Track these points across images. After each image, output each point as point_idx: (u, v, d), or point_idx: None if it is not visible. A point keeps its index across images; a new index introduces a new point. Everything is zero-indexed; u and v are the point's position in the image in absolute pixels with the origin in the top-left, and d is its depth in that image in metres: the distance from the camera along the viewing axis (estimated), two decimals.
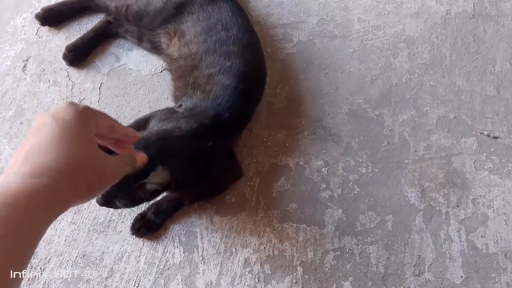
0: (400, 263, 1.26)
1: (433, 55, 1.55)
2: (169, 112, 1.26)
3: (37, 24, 1.54)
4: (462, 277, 1.24)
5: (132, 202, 0.96)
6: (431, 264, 1.26)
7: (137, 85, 1.46)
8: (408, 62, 1.54)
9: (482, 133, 1.43)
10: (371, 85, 1.50)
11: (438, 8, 1.63)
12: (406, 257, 1.28)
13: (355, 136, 1.41)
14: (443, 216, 1.32)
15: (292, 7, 1.62)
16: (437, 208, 1.33)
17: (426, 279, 1.25)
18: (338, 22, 1.60)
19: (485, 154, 1.40)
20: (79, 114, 0.57)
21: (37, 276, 1.21)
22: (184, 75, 1.31)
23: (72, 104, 0.57)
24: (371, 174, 1.37)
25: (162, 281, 1.22)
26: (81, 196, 0.56)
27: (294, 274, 1.25)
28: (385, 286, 1.24)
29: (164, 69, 1.47)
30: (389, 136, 1.42)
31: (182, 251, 1.26)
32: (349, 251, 1.28)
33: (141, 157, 0.72)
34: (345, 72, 1.52)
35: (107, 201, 0.94)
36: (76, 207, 1.26)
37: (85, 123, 0.57)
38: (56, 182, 0.52)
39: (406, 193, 1.35)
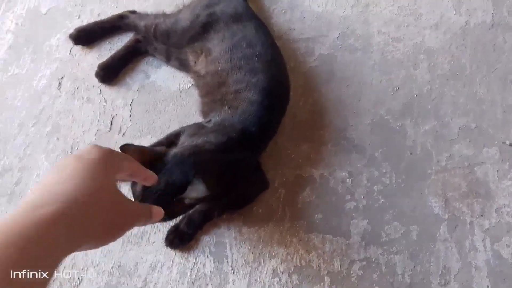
0: (425, 272, 1.29)
1: (453, 65, 1.57)
2: (198, 127, 1.32)
3: (70, 43, 1.61)
4: (488, 286, 1.26)
5: (170, 217, 1.01)
6: (456, 274, 1.28)
7: (166, 101, 1.52)
8: (428, 73, 1.56)
9: (505, 143, 1.44)
10: (392, 96, 1.53)
11: (457, 19, 1.66)
12: (431, 266, 1.30)
13: (378, 147, 1.45)
14: (468, 225, 1.34)
15: (313, 22, 1.67)
16: (461, 218, 1.35)
17: None
18: (359, 35, 1.64)
19: (508, 163, 1.41)
20: (103, 154, 0.56)
21: (76, 285, 1.27)
22: (212, 91, 1.36)
23: (96, 146, 0.58)
24: (395, 185, 1.40)
25: None
26: (93, 235, 0.52)
27: (322, 284, 1.28)
28: None
29: (191, 85, 1.53)
30: (412, 146, 1.45)
31: (212, 261, 1.31)
32: (375, 261, 1.31)
33: (157, 213, 0.65)
34: (367, 84, 1.55)
35: None
36: None
37: (107, 164, 0.56)
38: (69, 207, 0.48)
39: (430, 203, 1.38)
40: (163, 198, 0.85)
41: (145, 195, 0.96)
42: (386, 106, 1.51)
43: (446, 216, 1.36)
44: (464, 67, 1.57)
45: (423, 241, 1.33)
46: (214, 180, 1.11)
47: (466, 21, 1.65)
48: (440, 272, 1.28)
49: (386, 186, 1.40)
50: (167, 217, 0.99)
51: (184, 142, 1.25)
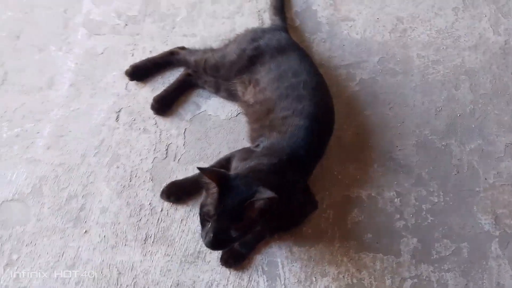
0: None
1: (495, 85, 1.60)
2: (247, 152, 1.39)
3: (126, 79, 1.74)
4: None
5: (245, 229, 1.09)
6: None
7: (216, 129, 1.61)
8: (470, 93, 1.59)
9: None
10: (436, 116, 1.56)
11: (496, 39, 1.69)
12: (484, 284, 1.30)
13: (425, 166, 1.47)
14: None
15: (353, 49, 1.74)
16: None
17: None
18: (398, 59, 1.69)
19: None
20: None
21: None
22: (260, 118, 1.44)
23: None
24: (443, 203, 1.41)
25: None
26: None
27: None
28: None
29: (239, 113, 1.62)
30: (458, 165, 1.47)
31: (265, 280, 1.35)
32: (426, 279, 1.32)
33: None
34: (410, 106, 1.59)
35: (222, 241, 1.12)
36: (168, 240, 1.41)
37: None
38: None
39: (479, 221, 1.38)
40: (237, 211, 0.95)
41: (220, 213, 1.09)
42: (430, 127, 1.55)
43: (497, 233, 1.35)
44: (506, 86, 1.59)
45: (475, 258, 1.33)
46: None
47: (505, 41, 1.68)
48: None
49: (435, 204, 1.42)
50: (242, 231, 1.11)
51: (237, 166, 1.33)
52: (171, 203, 1.47)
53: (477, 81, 1.61)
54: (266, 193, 1.07)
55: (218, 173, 1.14)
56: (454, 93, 1.60)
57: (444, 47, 1.70)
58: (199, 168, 1.09)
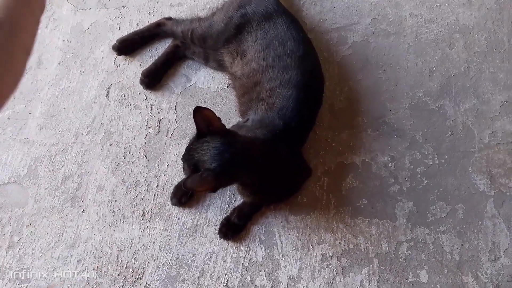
0: (474, 249, 1.30)
1: (490, 41, 1.56)
2: (237, 127, 1.37)
3: (114, 54, 1.71)
4: None
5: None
6: (506, 249, 1.29)
7: (207, 101, 1.59)
8: (465, 51, 1.56)
9: None
10: (429, 78, 1.53)
11: None
12: (480, 243, 1.31)
13: (419, 129, 1.46)
14: None
15: (344, 11, 1.69)
16: (508, 193, 1.35)
17: (502, 264, 1.28)
18: (391, 19, 1.65)
19: None
20: None
21: (139, 278, 1.38)
22: (248, 91, 1.41)
23: None
24: (438, 165, 1.41)
25: (248, 277, 1.34)
26: None
27: (371, 265, 1.32)
28: (461, 272, 1.28)
29: (229, 85, 1.60)
30: (453, 126, 1.46)
31: (263, 249, 1.37)
32: (422, 241, 1.33)
33: None
34: (403, 68, 1.56)
35: None
36: (165, 215, 1.42)
37: None
38: None
39: (474, 181, 1.38)
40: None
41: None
42: (424, 88, 1.52)
43: (492, 193, 1.36)
44: (502, 42, 1.55)
45: (470, 218, 1.34)
46: (264, 172, 1.18)
47: None
48: (489, 248, 1.29)
49: (429, 167, 1.41)
50: None
51: None
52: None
53: (472, 39, 1.57)
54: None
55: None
56: (448, 52, 1.56)
57: (438, 4, 1.64)
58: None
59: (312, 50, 1.47)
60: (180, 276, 1.37)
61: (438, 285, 1.30)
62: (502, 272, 1.29)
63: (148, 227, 1.43)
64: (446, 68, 1.54)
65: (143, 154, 1.53)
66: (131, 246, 1.41)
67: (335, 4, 1.70)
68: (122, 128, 1.59)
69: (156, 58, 1.67)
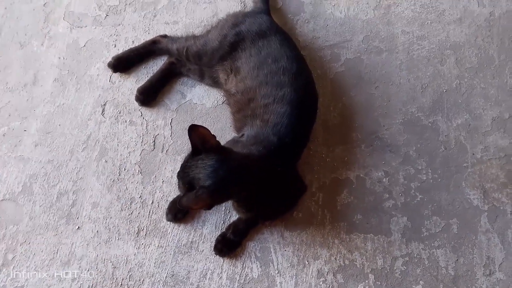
0: (469, 264, 1.31)
1: (480, 58, 1.58)
2: (233, 142, 1.37)
3: (109, 71, 1.72)
4: None
5: None
6: (501, 264, 1.29)
7: (203, 117, 1.61)
8: (456, 67, 1.58)
9: None
10: (422, 93, 1.56)
11: (481, 11, 1.67)
12: (475, 258, 1.31)
13: (412, 144, 1.48)
14: (509, 215, 1.35)
15: (337, 28, 1.72)
16: (501, 208, 1.36)
17: (497, 278, 1.28)
18: (383, 36, 1.67)
19: None
20: None
21: None
22: (242, 107, 1.42)
23: None
24: (431, 180, 1.42)
25: None
26: None
27: (366, 281, 1.32)
28: (456, 287, 1.28)
29: (225, 101, 1.61)
30: (446, 141, 1.47)
31: (259, 266, 1.37)
32: (417, 256, 1.34)
33: None
34: (395, 84, 1.58)
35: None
36: (160, 232, 1.42)
37: None
38: None
39: (468, 196, 1.39)
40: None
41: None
42: (416, 104, 1.54)
43: (486, 207, 1.37)
44: (492, 58, 1.58)
45: (464, 233, 1.35)
46: (258, 189, 1.18)
47: (490, 12, 1.66)
48: (484, 263, 1.30)
49: (423, 182, 1.43)
50: None
51: None
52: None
53: (463, 55, 1.60)
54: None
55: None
56: (439, 68, 1.59)
57: (429, 21, 1.68)
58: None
59: (305, 67, 1.49)
60: None
61: None
62: (498, 287, 1.29)
63: (143, 244, 1.42)
64: (438, 84, 1.56)
65: (138, 171, 1.53)
66: (126, 263, 1.41)
67: (328, 22, 1.73)
68: (118, 145, 1.60)
69: (152, 75, 1.68)
